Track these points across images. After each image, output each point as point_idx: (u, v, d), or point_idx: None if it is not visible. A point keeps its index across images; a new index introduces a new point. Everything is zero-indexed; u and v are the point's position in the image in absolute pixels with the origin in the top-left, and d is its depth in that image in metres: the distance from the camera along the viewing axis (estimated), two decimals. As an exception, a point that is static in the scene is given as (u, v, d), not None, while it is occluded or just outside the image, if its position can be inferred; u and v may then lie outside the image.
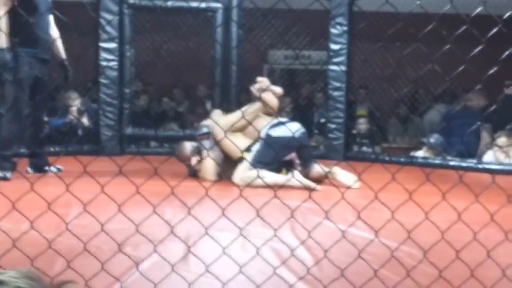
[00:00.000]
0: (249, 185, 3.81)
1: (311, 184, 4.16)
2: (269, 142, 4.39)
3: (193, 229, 2.58)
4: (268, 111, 4.67)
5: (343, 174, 4.33)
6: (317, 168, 4.52)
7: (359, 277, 1.90)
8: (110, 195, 1.77)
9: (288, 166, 4.54)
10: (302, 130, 4.60)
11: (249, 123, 4.40)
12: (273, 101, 4.68)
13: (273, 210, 2.58)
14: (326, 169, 4.41)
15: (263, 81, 4.74)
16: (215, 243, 1.95)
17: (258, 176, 3.64)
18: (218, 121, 4.52)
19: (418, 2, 1.57)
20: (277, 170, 4.46)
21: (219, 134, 4.48)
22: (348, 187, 3.91)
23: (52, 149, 5.61)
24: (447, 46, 1.83)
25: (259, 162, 4.32)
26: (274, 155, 4.36)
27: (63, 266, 1.92)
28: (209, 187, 1.78)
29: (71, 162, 4.20)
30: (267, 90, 4.63)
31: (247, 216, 2.67)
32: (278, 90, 4.81)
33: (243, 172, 4.30)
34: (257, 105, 4.66)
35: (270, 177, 4.19)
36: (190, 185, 4.11)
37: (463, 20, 1.96)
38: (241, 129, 4.53)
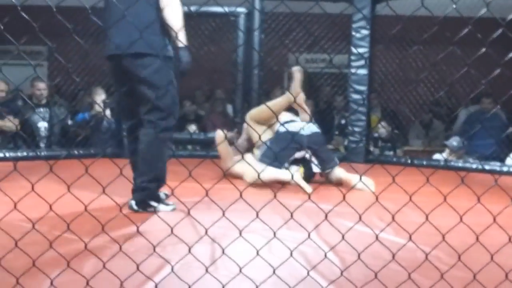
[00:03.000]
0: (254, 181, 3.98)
1: (307, 188, 4.10)
2: (277, 138, 4.44)
3: (218, 231, 2.60)
4: (293, 106, 4.70)
5: (360, 183, 4.32)
6: (338, 173, 4.50)
7: (389, 281, 1.90)
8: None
9: (304, 164, 4.50)
10: (314, 129, 4.54)
11: (274, 115, 4.40)
12: (298, 93, 4.67)
13: (298, 213, 2.58)
14: (347, 180, 4.39)
15: (297, 71, 4.75)
16: (242, 246, 1.95)
17: (256, 171, 3.59)
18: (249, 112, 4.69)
19: (454, 6, 1.57)
20: (287, 167, 4.45)
21: (247, 122, 4.64)
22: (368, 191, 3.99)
23: (76, 152, 5.71)
24: (483, 50, 1.82)
25: (266, 157, 4.35)
26: (280, 151, 4.33)
27: (94, 267, 1.95)
28: (242, 190, 1.78)
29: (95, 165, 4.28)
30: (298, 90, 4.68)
31: (272, 218, 2.68)
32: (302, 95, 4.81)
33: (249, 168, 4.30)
34: (278, 100, 4.72)
35: (269, 172, 4.17)
36: (221, 186, 4.15)
37: (496, 23, 1.95)
38: (268, 122, 4.58)
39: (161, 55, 3.11)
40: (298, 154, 4.50)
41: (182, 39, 3.09)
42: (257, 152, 4.60)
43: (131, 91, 3.17)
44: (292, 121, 4.61)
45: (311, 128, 4.52)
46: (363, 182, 4.15)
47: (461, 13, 1.74)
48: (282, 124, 4.37)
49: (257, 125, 4.54)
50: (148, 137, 3.14)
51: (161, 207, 3.16)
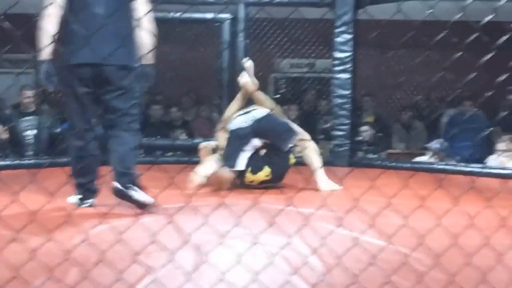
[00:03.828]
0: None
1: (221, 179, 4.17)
2: (228, 138, 4.46)
3: (203, 237, 2.61)
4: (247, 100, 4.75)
5: (323, 180, 4.37)
6: (309, 161, 4.48)
7: (370, 284, 1.92)
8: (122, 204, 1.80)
9: (272, 162, 4.45)
10: (259, 115, 4.47)
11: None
12: (252, 86, 4.71)
13: (281, 217, 2.61)
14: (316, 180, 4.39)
15: (247, 62, 4.82)
16: (225, 251, 1.97)
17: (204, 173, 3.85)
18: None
19: (430, 11, 1.60)
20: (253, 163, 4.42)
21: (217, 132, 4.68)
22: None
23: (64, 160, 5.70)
24: (459, 54, 1.86)
25: (226, 159, 4.39)
26: (234, 148, 4.36)
27: (78, 276, 1.96)
28: (225, 196, 1.80)
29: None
30: (245, 73, 4.75)
31: (255, 223, 2.70)
32: (255, 82, 4.83)
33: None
34: (237, 96, 4.80)
35: (203, 170, 4.21)
36: (203, 193, 4.17)
37: (472, 27, 1.98)
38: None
39: (135, 67, 3.38)
40: (249, 147, 4.42)
41: (152, 56, 3.41)
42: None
43: (98, 98, 3.39)
44: (245, 113, 4.58)
45: (256, 115, 4.48)
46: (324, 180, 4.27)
47: (439, 17, 1.77)
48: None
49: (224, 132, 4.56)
50: (125, 140, 3.41)
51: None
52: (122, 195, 3.06)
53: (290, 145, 4.47)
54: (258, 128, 4.40)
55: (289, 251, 2.31)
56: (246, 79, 4.75)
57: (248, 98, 4.76)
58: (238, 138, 4.38)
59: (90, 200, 3.36)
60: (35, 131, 6.33)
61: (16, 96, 6.68)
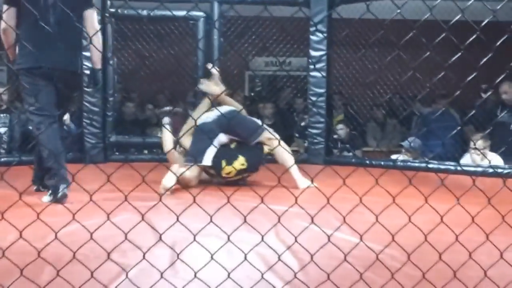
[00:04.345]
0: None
1: (165, 183, 4.12)
2: (193, 136, 4.49)
3: (179, 235, 2.61)
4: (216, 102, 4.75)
5: (299, 178, 4.41)
6: (281, 158, 4.51)
7: (344, 280, 1.94)
8: (96, 202, 1.79)
9: (246, 152, 4.49)
10: (223, 110, 4.50)
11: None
12: (216, 92, 4.68)
13: (257, 215, 2.61)
14: (294, 179, 4.41)
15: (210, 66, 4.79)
16: (201, 249, 1.97)
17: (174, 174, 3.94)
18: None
19: (399, 11, 1.62)
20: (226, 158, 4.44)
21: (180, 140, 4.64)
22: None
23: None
24: (427, 54, 1.88)
25: (188, 157, 4.41)
26: (200, 144, 4.39)
27: (51, 275, 1.94)
28: (196, 194, 1.80)
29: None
30: (207, 81, 4.73)
31: (232, 221, 2.70)
32: (221, 87, 4.82)
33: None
34: (202, 103, 4.79)
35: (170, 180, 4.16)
36: (176, 190, 4.16)
37: (441, 26, 2.01)
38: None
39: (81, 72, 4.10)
40: (216, 142, 4.44)
41: (99, 61, 4.10)
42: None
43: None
44: (209, 110, 4.61)
45: (220, 110, 4.50)
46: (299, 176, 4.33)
47: (407, 16, 1.79)
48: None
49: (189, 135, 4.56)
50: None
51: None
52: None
53: (257, 140, 4.48)
54: (224, 122, 4.40)
55: (263, 248, 2.32)
56: (213, 88, 4.71)
57: (213, 102, 4.74)
58: (204, 133, 4.39)
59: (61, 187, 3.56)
60: (6, 129, 6.25)
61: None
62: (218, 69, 4.81)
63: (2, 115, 6.26)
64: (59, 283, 1.79)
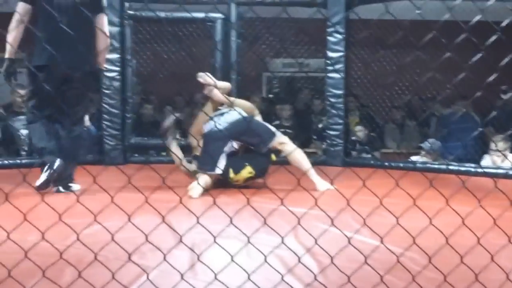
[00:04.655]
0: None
1: (192, 191, 4.13)
2: (203, 142, 4.47)
3: (199, 237, 2.62)
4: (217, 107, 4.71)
5: (318, 180, 4.39)
6: (294, 159, 4.48)
7: (364, 283, 1.93)
8: (117, 205, 1.80)
9: (253, 159, 4.47)
10: (233, 118, 4.47)
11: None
12: (220, 97, 4.65)
13: (275, 217, 2.61)
14: (313, 181, 4.39)
15: (202, 77, 4.63)
16: (220, 251, 1.97)
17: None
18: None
19: (418, 11, 1.61)
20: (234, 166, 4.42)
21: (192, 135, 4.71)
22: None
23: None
24: (447, 54, 1.86)
25: (205, 164, 4.39)
26: (211, 152, 4.35)
27: (72, 276, 1.95)
28: (216, 196, 1.81)
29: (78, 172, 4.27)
30: (213, 87, 4.60)
31: (250, 222, 2.71)
32: (226, 84, 4.83)
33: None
34: (206, 107, 4.73)
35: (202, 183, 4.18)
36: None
37: (458, 27, 1.99)
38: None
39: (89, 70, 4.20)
40: (227, 148, 4.43)
41: (104, 61, 4.37)
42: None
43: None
44: (220, 114, 4.59)
45: (229, 118, 4.48)
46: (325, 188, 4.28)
47: (426, 17, 1.78)
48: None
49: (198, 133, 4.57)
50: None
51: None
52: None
53: (268, 147, 4.48)
54: (234, 131, 4.40)
55: (283, 251, 2.32)
56: (218, 95, 4.65)
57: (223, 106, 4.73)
58: (214, 141, 4.39)
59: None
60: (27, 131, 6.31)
61: (8, 95, 6.66)
62: (208, 75, 4.68)
63: (22, 116, 6.33)
64: (80, 285, 1.80)
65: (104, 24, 4.23)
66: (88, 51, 4.09)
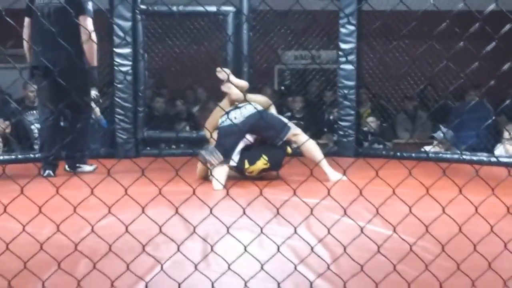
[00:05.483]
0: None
1: (215, 185, 4.16)
2: (218, 136, 4.49)
3: (212, 228, 2.63)
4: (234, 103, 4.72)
5: (330, 171, 4.41)
6: (309, 151, 4.51)
7: (376, 273, 1.93)
8: (131, 197, 1.81)
9: (268, 151, 4.47)
10: (249, 112, 4.49)
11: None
12: (237, 94, 4.67)
13: (287, 208, 2.62)
14: (324, 172, 4.41)
15: (221, 72, 4.63)
16: (233, 242, 1.98)
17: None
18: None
19: (432, 1, 1.60)
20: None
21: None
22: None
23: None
24: (461, 44, 1.86)
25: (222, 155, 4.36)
26: (227, 145, 4.37)
27: (87, 267, 1.98)
28: (229, 188, 1.82)
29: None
30: (231, 84, 4.63)
31: (263, 213, 2.72)
32: (243, 83, 4.82)
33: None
34: (223, 102, 4.74)
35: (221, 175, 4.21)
36: (207, 185, 4.19)
37: (470, 17, 1.98)
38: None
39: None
40: (242, 144, 4.46)
41: (94, 61, 4.73)
42: None
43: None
44: (236, 107, 4.61)
45: (245, 113, 4.50)
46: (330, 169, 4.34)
47: (440, 7, 1.77)
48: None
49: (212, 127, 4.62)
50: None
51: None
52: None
53: (283, 140, 4.48)
54: (250, 125, 4.42)
55: (295, 241, 2.33)
56: (234, 90, 4.67)
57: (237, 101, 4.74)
58: (230, 135, 4.42)
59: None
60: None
61: (21, 91, 6.72)
62: (227, 71, 4.71)
63: (35, 111, 6.39)
64: (95, 276, 1.82)
65: (87, 25, 4.62)
66: (70, 50, 4.25)
